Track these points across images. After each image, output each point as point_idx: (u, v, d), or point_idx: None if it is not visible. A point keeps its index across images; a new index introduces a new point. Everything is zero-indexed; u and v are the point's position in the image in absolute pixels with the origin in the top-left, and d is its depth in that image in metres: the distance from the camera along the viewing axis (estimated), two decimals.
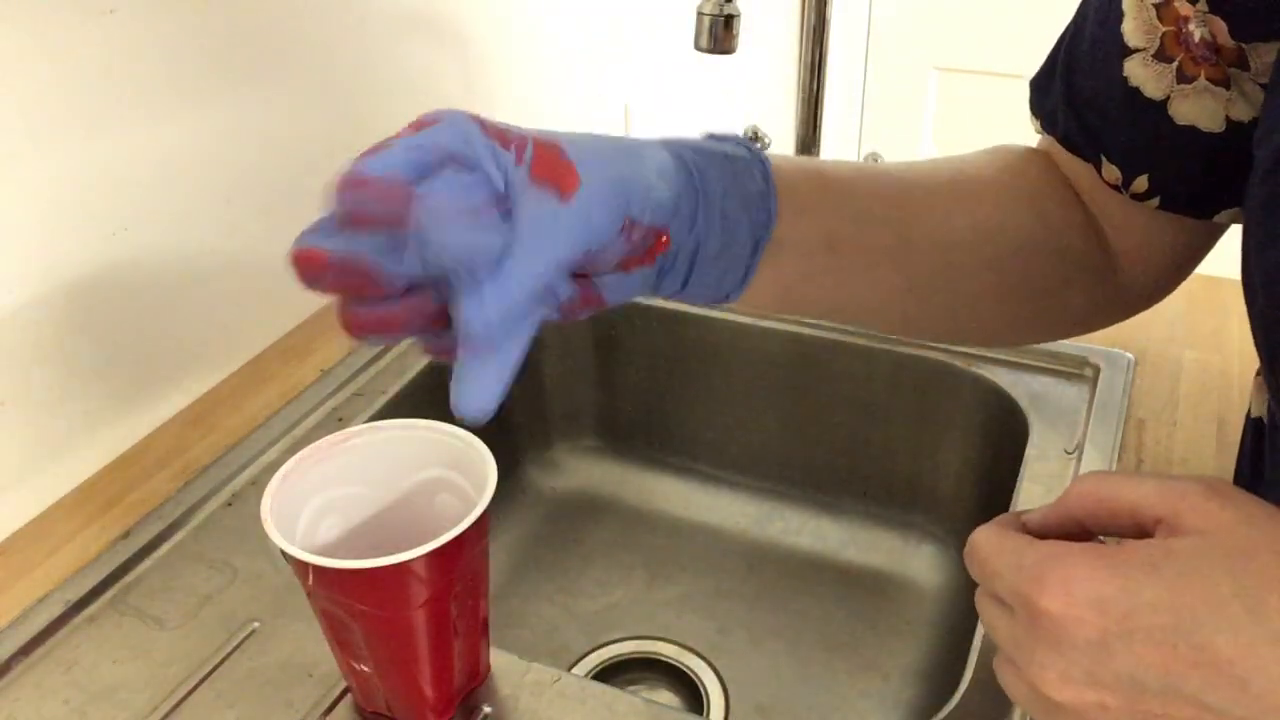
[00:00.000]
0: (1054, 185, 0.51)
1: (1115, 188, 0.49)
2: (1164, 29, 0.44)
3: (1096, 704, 0.31)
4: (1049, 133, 0.52)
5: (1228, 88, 0.43)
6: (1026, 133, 0.55)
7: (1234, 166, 0.44)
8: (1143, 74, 0.45)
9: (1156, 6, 0.44)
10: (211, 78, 0.71)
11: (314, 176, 0.85)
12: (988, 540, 0.34)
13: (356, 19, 0.82)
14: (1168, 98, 0.45)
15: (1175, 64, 0.44)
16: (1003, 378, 0.74)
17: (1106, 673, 0.30)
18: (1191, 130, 0.45)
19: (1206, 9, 0.43)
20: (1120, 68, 0.46)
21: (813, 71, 0.83)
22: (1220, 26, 0.42)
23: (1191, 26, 0.44)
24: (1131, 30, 0.45)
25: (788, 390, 0.83)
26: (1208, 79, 0.44)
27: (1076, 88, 0.49)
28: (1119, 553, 0.30)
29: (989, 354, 0.76)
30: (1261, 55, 0.42)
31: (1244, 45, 0.42)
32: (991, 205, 0.50)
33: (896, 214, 0.48)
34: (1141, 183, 0.47)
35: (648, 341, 0.86)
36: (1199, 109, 0.44)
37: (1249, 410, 0.51)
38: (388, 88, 0.87)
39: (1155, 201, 0.48)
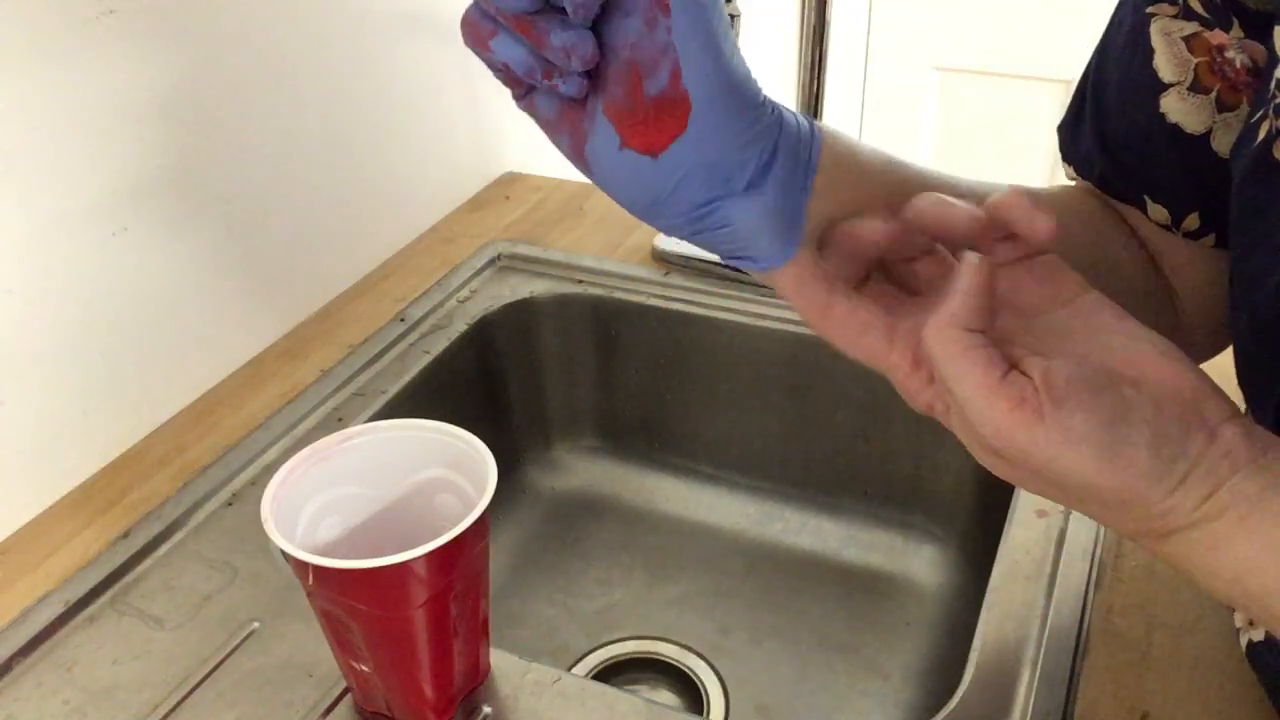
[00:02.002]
0: (1111, 220, 0.49)
1: (1165, 227, 0.47)
2: (1196, 60, 0.43)
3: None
4: (1084, 178, 0.50)
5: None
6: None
7: None
8: (1181, 108, 0.44)
9: (1186, 39, 0.43)
10: (212, 78, 0.71)
11: (314, 176, 0.86)
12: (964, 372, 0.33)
13: (356, 19, 0.82)
14: (1209, 130, 0.44)
15: (1214, 94, 0.43)
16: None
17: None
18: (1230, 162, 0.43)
19: (1243, 34, 0.42)
20: (1156, 104, 0.44)
21: (813, 71, 0.83)
22: (1259, 50, 0.42)
23: (1230, 54, 0.42)
24: (1164, 65, 0.44)
25: (788, 390, 0.83)
26: (1249, 104, 0.42)
27: (1110, 130, 0.47)
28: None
29: None
30: None
31: None
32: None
33: None
34: (1193, 220, 0.46)
35: (648, 341, 0.86)
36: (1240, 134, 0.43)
37: (1245, 411, 0.52)
38: (388, 87, 0.87)
39: (1210, 239, 0.46)
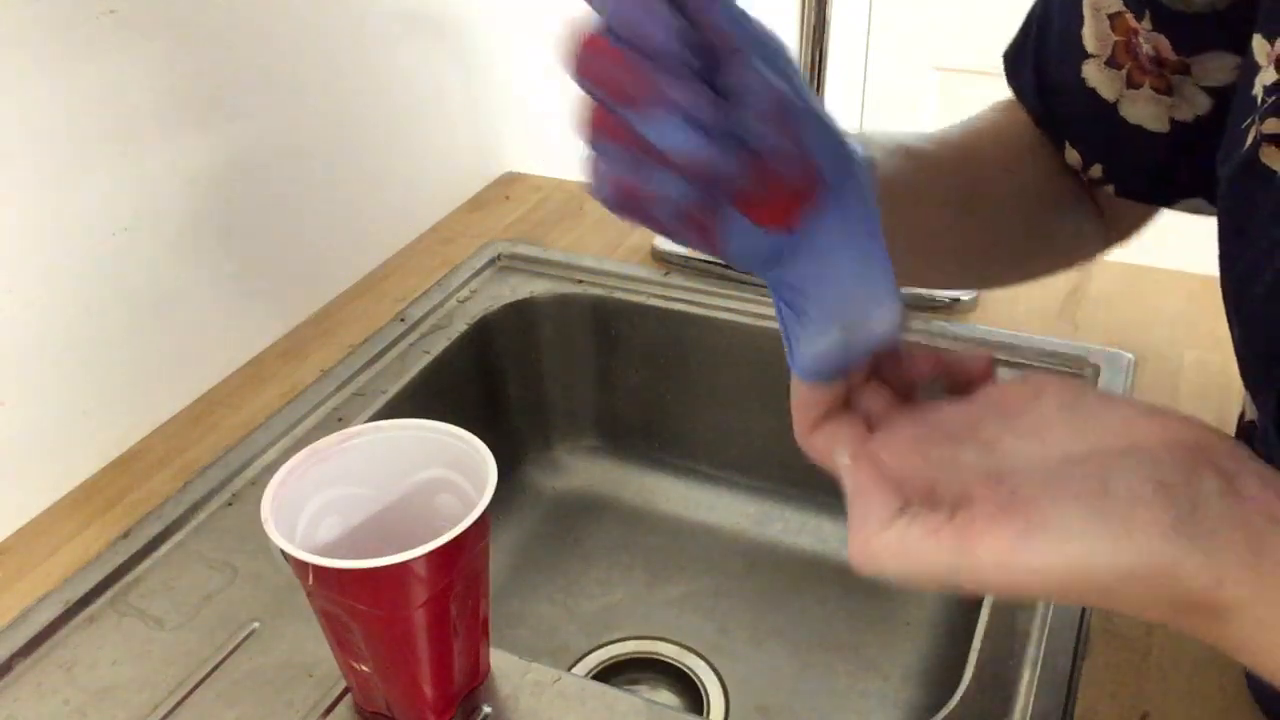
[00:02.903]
0: (1025, 142, 0.54)
1: (1076, 170, 0.52)
2: (1115, 38, 0.47)
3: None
4: (1022, 104, 0.54)
5: (1170, 95, 0.47)
6: None
7: (1181, 162, 0.47)
8: (1098, 77, 0.49)
9: (1110, 17, 0.47)
10: (212, 77, 0.71)
11: (314, 176, 0.86)
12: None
13: (356, 19, 0.82)
14: (1119, 100, 0.48)
15: (1125, 71, 0.48)
16: (1003, 377, 0.74)
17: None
18: (1139, 129, 0.48)
19: (1150, 26, 0.46)
20: (1079, 69, 0.49)
21: (813, 71, 0.83)
22: (1164, 43, 0.45)
23: (1140, 39, 0.47)
24: (1089, 36, 0.48)
25: (788, 390, 0.83)
26: (1152, 87, 0.47)
27: (1045, 75, 0.51)
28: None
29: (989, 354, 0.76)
30: (1203, 64, 0.45)
31: (1186, 59, 0.45)
32: (986, 163, 0.53)
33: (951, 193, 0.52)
34: (1097, 170, 0.51)
35: (648, 341, 0.86)
36: (1145, 112, 0.48)
37: (1242, 413, 0.52)
38: (388, 87, 0.87)
39: (1110, 189, 0.52)
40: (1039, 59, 0.52)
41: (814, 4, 0.81)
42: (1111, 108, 0.49)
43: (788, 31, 1.87)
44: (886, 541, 0.31)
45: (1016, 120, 0.55)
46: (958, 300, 0.80)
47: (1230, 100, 0.43)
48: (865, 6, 1.92)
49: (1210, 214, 0.46)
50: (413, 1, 0.88)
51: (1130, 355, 0.74)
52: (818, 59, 0.83)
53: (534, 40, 1.09)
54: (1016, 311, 0.80)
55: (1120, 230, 0.57)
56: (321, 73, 0.80)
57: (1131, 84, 0.48)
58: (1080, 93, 0.49)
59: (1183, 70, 0.46)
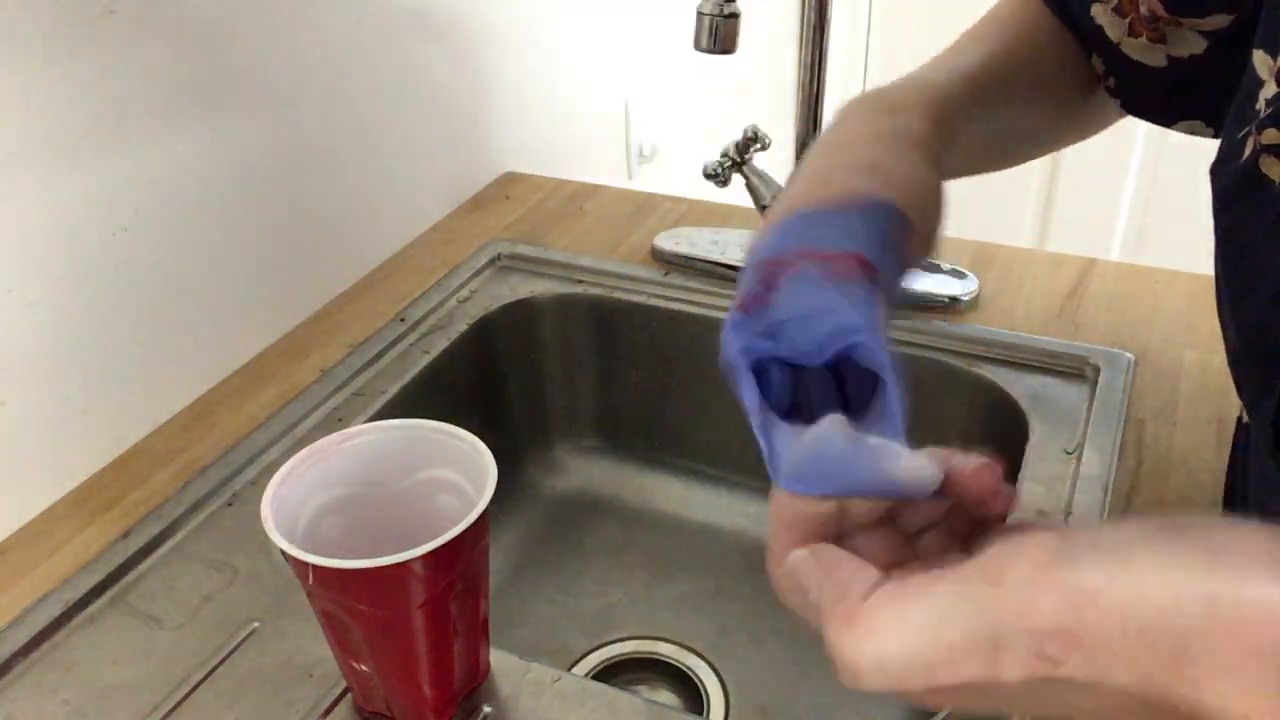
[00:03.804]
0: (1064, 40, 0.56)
1: (1099, 76, 0.55)
2: None
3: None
4: (1056, 15, 0.55)
5: (1165, 43, 0.50)
6: None
7: (1181, 90, 0.51)
8: (1104, 19, 0.51)
9: None
10: (212, 77, 0.71)
11: (314, 176, 0.86)
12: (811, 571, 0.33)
13: (356, 20, 0.82)
14: (1120, 42, 0.52)
15: (1128, 20, 0.51)
16: (1003, 378, 0.74)
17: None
18: (1140, 63, 0.52)
19: None
20: (1090, 6, 0.52)
21: (813, 71, 0.83)
22: (1155, 3, 0.48)
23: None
24: None
25: None
26: (1149, 39, 0.50)
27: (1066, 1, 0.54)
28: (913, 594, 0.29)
29: (989, 354, 0.76)
30: (1195, 21, 0.48)
31: (1180, 19, 0.48)
32: (1052, 70, 0.55)
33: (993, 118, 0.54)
34: (1111, 82, 0.54)
35: (648, 341, 0.86)
36: (1144, 53, 0.51)
37: (1240, 415, 0.52)
38: (388, 87, 0.87)
39: (1119, 102, 0.55)
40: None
41: (814, 4, 0.81)
42: (1116, 45, 0.52)
43: (788, 31, 1.86)
44: (876, 609, 0.29)
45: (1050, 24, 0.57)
46: (957, 300, 0.80)
47: (1224, 41, 0.47)
48: (865, 6, 1.92)
49: (1206, 136, 0.52)
50: (413, 1, 0.88)
51: (1130, 355, 0.74)
52: (818, 59, 0.83)
53: (534, 40, 1.09)
54: (1016, 312, 0.80)
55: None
56: (322, 73, 0.80)
57: (1132, 33, 0.51)
58: (1090, 28, 0.53)
59: (1176, 24, 0.49)
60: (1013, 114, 0.55)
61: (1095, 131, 0.62)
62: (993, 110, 0.53)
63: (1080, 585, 0.26)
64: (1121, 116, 0.60)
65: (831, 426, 0.34)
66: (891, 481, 0.32)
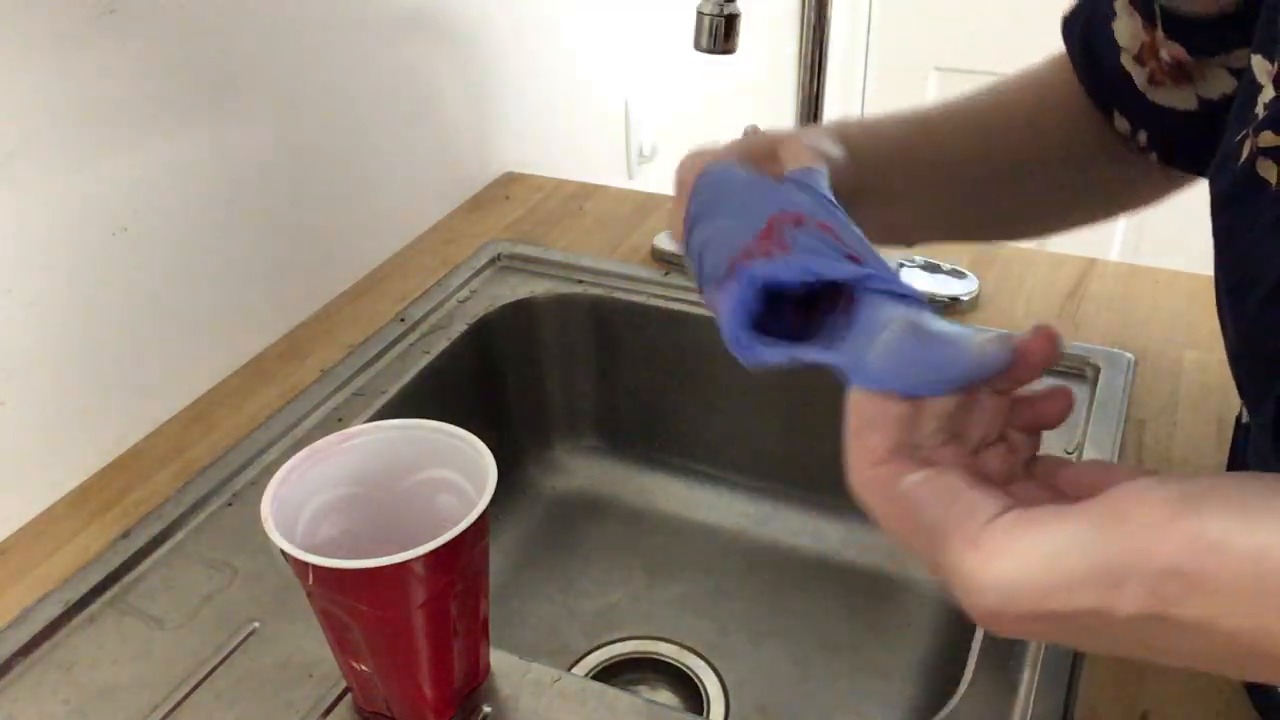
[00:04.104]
0: (1077, 101, 0.55)
1: (1124, 136, 0.53)
2: (1144, 37, 0.49)
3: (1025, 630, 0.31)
4: (1075, 71, 0.55)
5: (1193, 82, 0.48)
6: None
7: (1214, 135, 0.48)
8: (1130, 67, 0.51)
9: (1141, 15, 0.49)
10: (213, 77, 0.71)
11: (314, 176, 0.86)
12: (890, 520, 0.33)
13: (356, 19, 0.82)
14: (1146, 90, 0.51)
15: (1148, 69, 0.50)
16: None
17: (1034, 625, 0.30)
18: (1171, 109, 0.50)
19: (1165, 36, 0.48)
20: (1119, 55, 0.51)
21: (813, 71, 0.83)
22: (1179, 50, 0.47)
23: (1158, 44, 0.48)
24: (1121, 30, 0.50)
25: (788, 390, 0.83)
26: (1172, 83, 0.49)
27: (1093, 48, 0.53)
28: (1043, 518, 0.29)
29: None
30: (1223, 60, 0.47)
31: (1205, 60, 0.47)
32: (1054, 130, 0.56)
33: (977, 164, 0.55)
34: (1142, 137, 0.52)
35: (648, 341, 0.86)
36: (1171, 97, 0.50)
37: (1240, 415, 0.52)
38: (388, 87, 0.87)
39: (1154, 156, 0.53)
40: (1087, 33, 0.53)
41: (814, 4, 0.81)
42: (1143, 93, 0.51)
43: (788, 31, 1.86)
44: (1002, 531, 0.29)
45: (1067, 77, 0.57)
46: (958, 300, 0.80)
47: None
48: (865, 6, 1.93)
49: None
50: (413, 1, 0.88)
51: (1130, 355, 0.74)
52: (818, 59, 0.83)
53: (534, 40, 1.09)
54: (1016, 311, 0.80)
55: (1159, 189, 0.59)
56: (322, 73, 0.80)
57: (1154, 81, 0.50)
58: (1119, 74, 0.51)
59: (1203, 67, 0.48)
60: (997, 160, 0.55)
61: (1115, 210, 0.60)
62: (985, 150, 0.54)
63: (1205, 532, 0.27)
64: (1152, 197, 0.58)
65: (903, 323, 0.35)
66: (971, 361, 0.34)
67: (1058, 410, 0.36)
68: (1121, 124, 0.53)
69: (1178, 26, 0.47)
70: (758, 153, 0.48)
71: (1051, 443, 0.67)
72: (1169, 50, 0.48)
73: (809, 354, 0.37)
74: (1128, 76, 0.51)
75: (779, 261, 0.37)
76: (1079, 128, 0.55)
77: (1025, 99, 0.57)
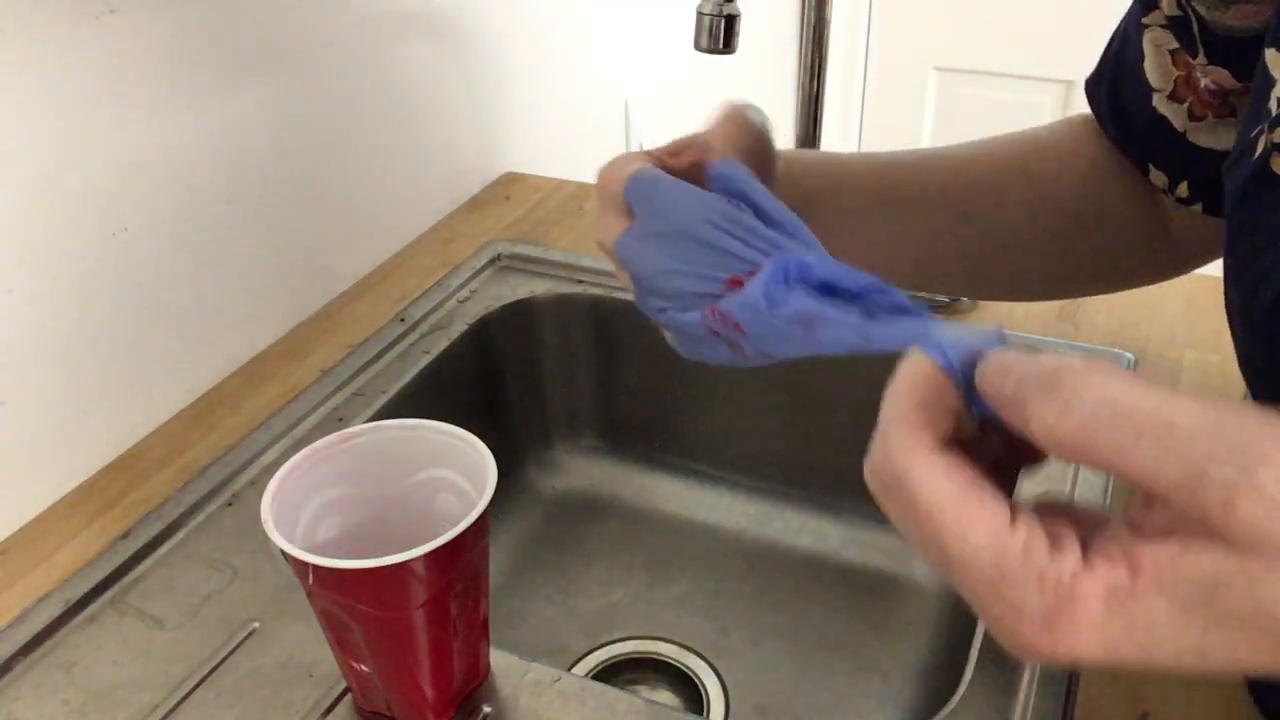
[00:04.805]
0: (1112, 159, 0.54)
1: (1163, 190, 0.52)
2: (1177, 73, 0.48)
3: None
4: (1103, 129, 0.54)
5: (1236, 116, 0.47)
6: None
7: None
8: (1166, 109, 0.49)
9: (1170, 53, 0.48)
10: (212, 77, 0.71)
11: (314, 176, 0.86)
12: (954, 525, 0.26)
13: (356, 19, 0.82)
14: (1186, 130, 0.49)
15: (1186, 105, 0.48)
16: None
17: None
18: (1212, 151, 0.48)
19: (1206, 61, 0.46)
20: (1150, 98, 0.49)
21: (812, 72, 0.83)
22: (1223, 74, 0.46)
23: (1197, 75, 0.47)
24: (1151, 71, 0.49)
25: (788, 390, 0.83)
26: (1215, 116, 0.47)
27: (1122, 101, 0.51)
28: (1141, 596, 0.24)
29: None
30: None
31: (1249, 84, 0.44)
32: (1048, 183, 0.54)
33: (949, 194, 0.53)
34: (1183, 188, 0.51)
35: (648, 341, 0.86)
36: (1214, 137, 0.48)
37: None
38: (388, 87, 0.87)
39: (1199, 207, 0.51)
40: (1114, 87, 0.52)
41: (814, 4, 0.81)
42: (1182, 135, 0.49)
43: (788, 31, 1.86)
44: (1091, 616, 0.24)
45: (1079, 138, 0.55)
46: (957, 300, 0.80)
47: None
48: (865, 6, 1.93)
49: None
50: (413, 1, 0.88)
51: (1130, 355, 0.74)
52: (818, 59, 0.83)
53: (534, 40, 1.09)
54: (1016, 312, 0.80)
55: (1197, 253, 0.56)
56: (321, 73, 0.80)
57: (1194, 117, 0.48)
58: (1154, 120, 0.50)
59: (1247, 92, 0.45)
60: (975, 212, 0.54)
61: (1116, 284, 0.59)
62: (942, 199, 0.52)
63: None
64: (1160, 274, 0.57)
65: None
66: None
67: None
68: (1159, 178, 0.51)
69: (1220, 48, 0.46)
70: (679, 148, 0.47)
71: None
72: (1212, 77, 0.46)
73: (850, 319, 0.34)
74: (1164, 121, 0.49)
75: (803, 260, 0.37)
76: (1080, 186, 0.53)
77: (1017, 149, 0.55)
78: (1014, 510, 0.26)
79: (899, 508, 0.28)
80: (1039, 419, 0.25)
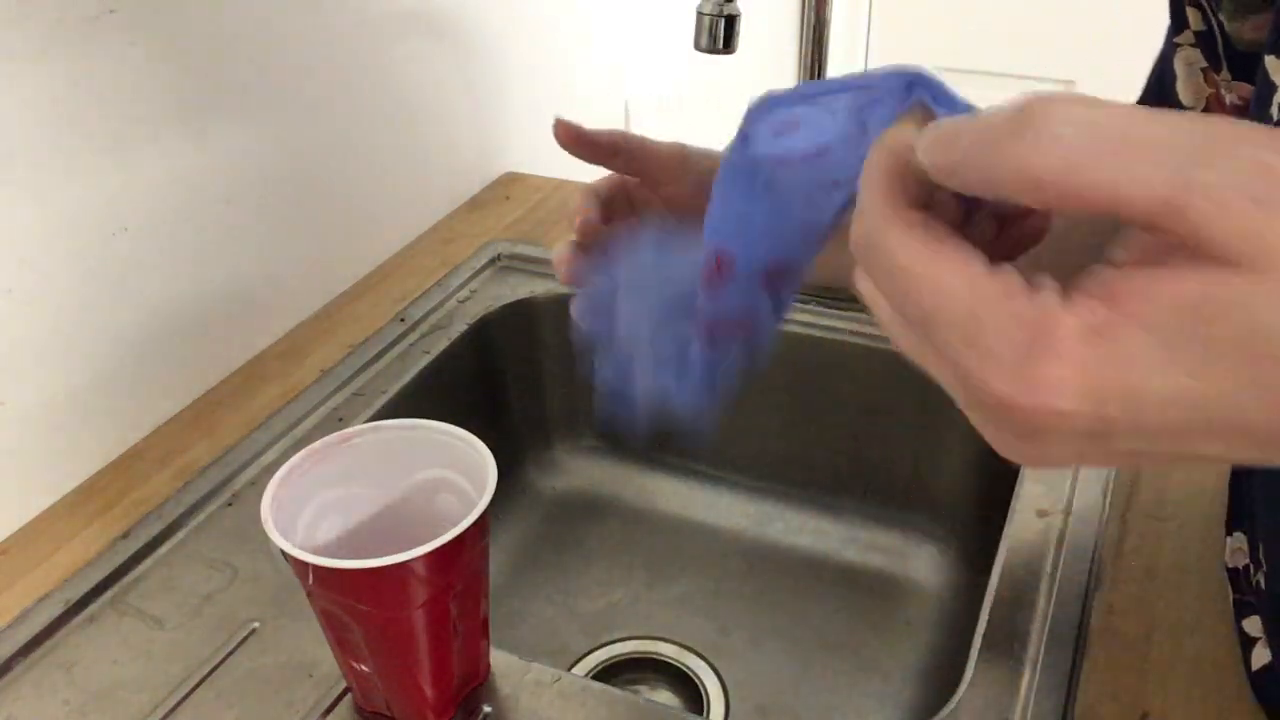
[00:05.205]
0: None
1: None
2: (1208, 91, 0.48)
3: (1073, 464, 0.25)
4: None
5: None
6: None
7: None
8: None
9: (1202, 71, 0.48)
10: (212, 78, 0.71)
11: (313, 176, 0.85)
12: (929, 275, 0.24)
13: (356, 19, 0.82)
14: None
15: None
16: None
17: (1097, 454, 0.24)
18: None
19: (1230, 77, 0.46)
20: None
21: (812, 72, 0.83)
22: (1245, 89, 0.45)
23: (1222, 91, 0.47)
24: (1183, 91, 0.49)
25: (788, 390, 0.83)
26: None
27: None
28: (1119, 326, 0.22)
29: None
30: None
31: None
32: None
33: None
34: None
35: None
36: None
37: None
38: (388, 87, 0.87)
39: None
40: (1160, 101, 0.52)
41: (814, 4, 0.81)
42: None
43: (788, 31, 1.86)
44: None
45: None
46: None
47: None
48: (865, 6, 1.93)
49: None
50: (413, 1, 0.88)
51: None
52: (818, 59, 0.83)
53: (534, 40, 1.09)
54: None
55: None
56: (322, 73, 0.80)
57: None
58: None
59: None
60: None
61: None
62: None
63: None
64: None
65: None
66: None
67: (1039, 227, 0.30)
68: None
69: (1241, 63, 0.46)
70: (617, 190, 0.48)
71: None
72: (1236, 92, 0.46)
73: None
74: None
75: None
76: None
77: None
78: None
79: (880, 275, 0.26)
80: (1014, 164, 0.23)
